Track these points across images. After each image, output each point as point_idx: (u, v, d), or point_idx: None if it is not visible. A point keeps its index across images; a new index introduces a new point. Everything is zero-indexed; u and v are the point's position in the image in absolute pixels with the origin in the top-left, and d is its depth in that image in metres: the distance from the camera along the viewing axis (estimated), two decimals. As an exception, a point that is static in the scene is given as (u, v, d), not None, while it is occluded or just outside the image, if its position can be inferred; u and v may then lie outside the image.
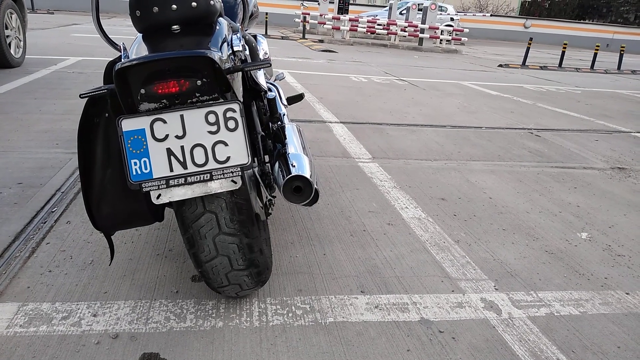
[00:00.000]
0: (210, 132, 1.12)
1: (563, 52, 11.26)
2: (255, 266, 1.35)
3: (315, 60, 8.75)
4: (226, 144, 1.13)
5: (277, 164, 1.33)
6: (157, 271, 1.65)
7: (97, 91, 1.16)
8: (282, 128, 1.60)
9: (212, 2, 1.27)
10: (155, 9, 1.22)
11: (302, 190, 1.20)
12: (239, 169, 1.13)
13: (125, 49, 1.33)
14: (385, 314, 1.54)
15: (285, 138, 1.49)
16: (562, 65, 11.17)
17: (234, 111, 1.13)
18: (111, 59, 1.36)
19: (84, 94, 1.16)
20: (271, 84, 2.22)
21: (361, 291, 1.65)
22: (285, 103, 2.12)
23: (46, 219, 1.95)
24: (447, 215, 2.35)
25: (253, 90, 1.75)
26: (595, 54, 11.63)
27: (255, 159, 1.54)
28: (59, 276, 1.58)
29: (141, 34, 1.27)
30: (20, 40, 5.66)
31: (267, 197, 1.53)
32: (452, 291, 1.71)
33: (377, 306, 1.58)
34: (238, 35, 1.36)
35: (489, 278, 1.81)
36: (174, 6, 1.22)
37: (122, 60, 1.27)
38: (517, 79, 8.45)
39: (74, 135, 3.06)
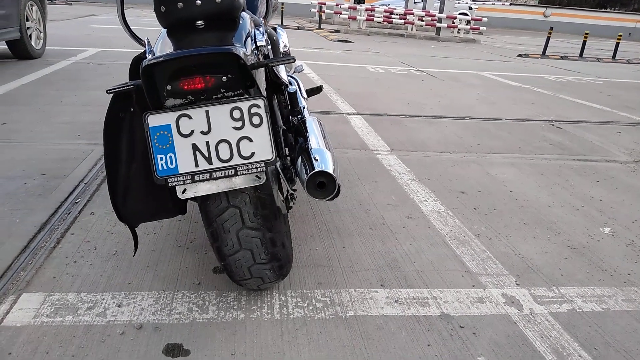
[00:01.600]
0: (235, 128, 1.13)
1: (584, 42, 11.03)
2: (277, 260, 1.36)
3: (332, 51, 8.70)
4: (251, 140, 1.13)
5: (299, 159, 1.33)
6: (179, 262, 1.67)
7: (124, 87, 1.17)
8: (304, 122, 1.60)
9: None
10: (180, 4, 1.22)
11: (325, 186, 1.20)
12: (263, 165, 1.14)
13: (149, 43, 1.33)
14: (406, 308, 1.54)
15: (307, 132, 1.49)
16: (583, 55, 10.94)
17: (259, 107, 1.13)
18: (136, 55, 1.37)
19: (111, 89, 1.18)
20: (291, 76, 2.22)
21: (381, 285, 1.66)
22: (305, 96, 2.12)
23: (70, 210, 1.99)
24: (467, 208, 2.33)
25: (274, 84, 1.75)
26: (617, 44, 11.37)
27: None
28: (83, 267, 1.61)
29: (165, 30, 1.28)
30: (40, 32, 5.73)
31: (288, 191, 1.53)
32: (473, 286, 1.70)
33: (397, 300, 1.58)
34: (261, 29, 1.36)
35: (510, 273, 1.80)
36: (199, 2, 1.22)
37: (147, 56, 1.28)
38: (537, 69, 8.31)
39: (95, 127, 3.10)
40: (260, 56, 1.32)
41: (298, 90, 2.06)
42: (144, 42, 1.36)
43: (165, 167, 1.12)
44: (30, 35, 5.42)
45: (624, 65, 10.54)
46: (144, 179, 1.30)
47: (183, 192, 1.16)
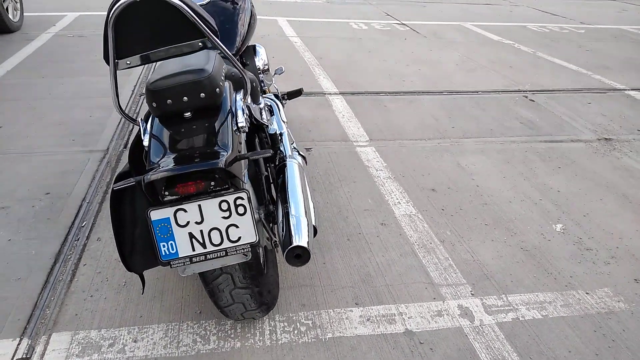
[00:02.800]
0: (224, 217, 1.35)
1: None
2: (265, 304, 1.63)
3: (315, 1, 8.54)
4: (237, 226, 1.36)
5: (281, 224, 1.55)
6: (181, 291, 1.94)
7: (127, 184, 1.37)
8: (284, 166, 1.81)
9: (217, 91, 1.43)
10: (169, 101, 1.39)
11: (301, 256, 1.44)
12: (248, 246, 1.37)
13: (143, 122, 1.51)
14: (376, 326, 1.84)
15: (287, 184, 1.70)
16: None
17: (242, 199, 1.34)
18: (134, 139, 1.55)
19: (116, 186, 1.37)
20: (270, 99, 2.38)
21: (355, 303, 1.94)
22: (285, 119, 2.29)
23: (78, 236, 2.22)
24: (435, 209, 2.59)
25: (256, 125, 1.93)
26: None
27: (260, 197, 1.76)
28: (99, 301, 1.87)
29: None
30: (16, 2, 5.62)
31: (271, 239, 1.76)
32: (434, 299, 1.99)
33: (368, 319, 1.87)
34: (241, 106, 1.53)
35: (467, 282, 2.09)
36: (185, 98, 1.39)
37: (143, 136, 1.47)
38: (521, 15, 8.27)
39: (86, 127, 3.25)
40: (241, 136, 1.50)
41: (279, 118, 2.23)
42: (139, 122, 1.53)
43: (167, 253, 1.35)
44: (7, 9, 5.34)
45: (607, 2, 10.44)
46: (147, 238, 1.53)
47: (183, 272, 1.40)
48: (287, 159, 1.87)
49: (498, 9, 8.91)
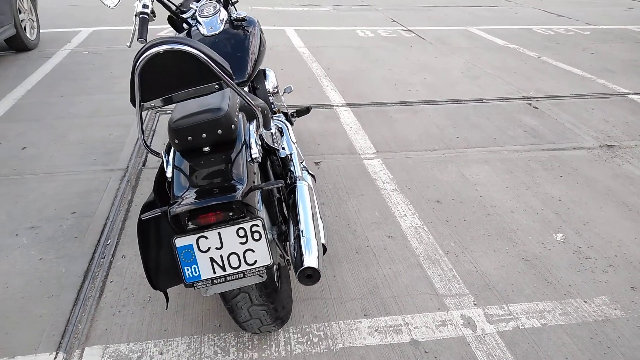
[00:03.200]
0: (241, 243, 1.49)
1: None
2: (279, 319, 1.76)
3: (322, 9, 8.68)
4: (253, 251, 1.49)
5: (293, 244, 1.69)
6: (201, 305, 2.08)
7: (154, 214, 1.52)
8: (294, 189, 1.94)
9: (232, 127, 1.57)
10: (190, 138, 1.53)
11: (312, 276, 1.57)
12: (264, 269, 1.51)
13: (166, 154, 1.65)
14: (383, 336, 1.96)
15: (298, 206, 1.83)
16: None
17: (258, 226, 1.48)
18: (158, 170, 1.69)
19: (145, 216, 1.52)
20: (281, 121, 2.52)
21: (364, 314, 2.07)
22: (294, 139, 2.42)
23: (104, 253, 2.37)
24: (440, 221, 2.71)
25: (267, 150, 2.07)
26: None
27: (274, 219, 1.90)
28: (127, 316, 2.02)
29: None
30: (33, 21, 5.83)
31: (284, 257, 1.90)
32: (438, 309, 2.11)
33: (376, 329, 2.00)
34: (254, 135, 1.67)
35: (470, 292, 2.21)
36: (204, 135, 1.53)
37: (165, 168, 1.62)
38: (527, 17, 8.33)
39: (106, 146, 3.41)
40: (255, 166, 1.64)
41: (288, 138, 2.37)
42: (161, 155, 1.67)
43: (191, 275, 1.49)
44: (25, 28, 5.54)
45: (615, 0, 10.44)
46: (169, 259, 1.68)
47: (205, 292, 1.54)
48: (297, 181, 2.00)
49: (504, 11, 8.98)
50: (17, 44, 5.47)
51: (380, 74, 5.14)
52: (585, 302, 2.18)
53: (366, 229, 2.62)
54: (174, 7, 2.42)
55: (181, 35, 2.55)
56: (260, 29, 2.62)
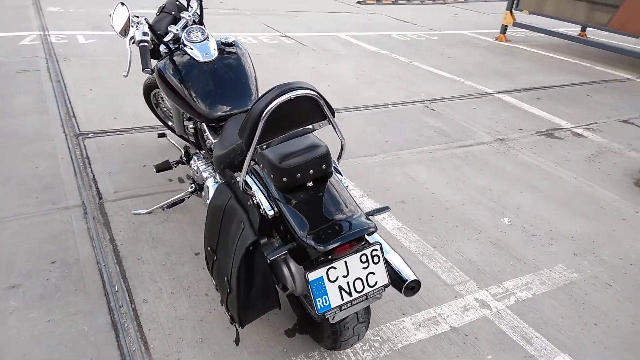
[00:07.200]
0: (364, 268, 1.60)
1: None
2: (366, 328, 1.91)
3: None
4: (374, 273, 1.62)
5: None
6: (257, 335, 2.08)
7: (282, 253, 1.54)
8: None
9: (332, 161, 1.66)
10: (299, 175, 1.59)
11: (414, 287, 1.75)
12: (383, 288, 1.65)
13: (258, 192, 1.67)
14: (428, 330, 2.22)
15: None
16: (408, -1, 12.28)
17: (377, 250, 1.61)
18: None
19: (272, 257, 1.53)
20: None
21: (403, 314, 2.30)
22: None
23: (120, 302, 2.17)
24: (413, 220, 3.05)
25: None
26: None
27: None
28: (188, 361, 1.93)
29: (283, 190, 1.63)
30: None
31: None
32: (455, 297, 2.45)
33: (420, 324, 2.24)
34: (338, 167, 1.78)
35: (470, 278, 2.59)
36: (311, 171, 1.61)
37: (261, 206, 1.64)
38: (380, 25, 9.23)
39: (40, 181, 3.00)
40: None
41: None
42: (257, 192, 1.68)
43: (322, 306, 1.55)
44: None
45: (441, 6, 12.14)
46: (260, 296, 1.71)
47: (333, 319, 1.61)
48: None
49: (359, 17, 9.79)
50: None
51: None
52: (550, 271, 2.72)
53: (360, 236, 2.82)
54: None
55: (166, 59, 2.44)
56: (249, 53, 2.64)
